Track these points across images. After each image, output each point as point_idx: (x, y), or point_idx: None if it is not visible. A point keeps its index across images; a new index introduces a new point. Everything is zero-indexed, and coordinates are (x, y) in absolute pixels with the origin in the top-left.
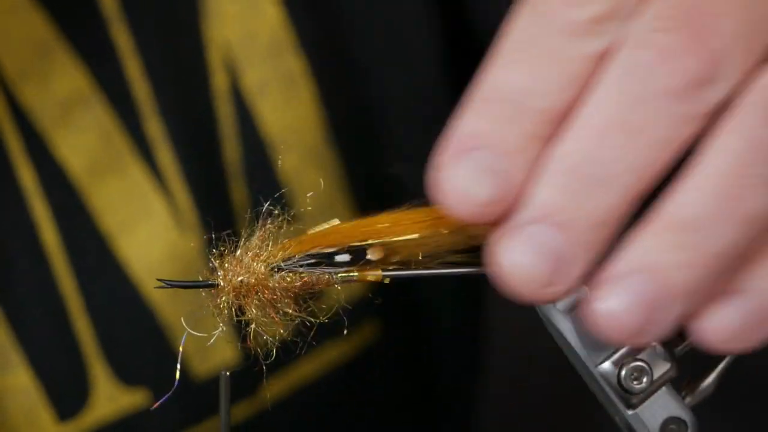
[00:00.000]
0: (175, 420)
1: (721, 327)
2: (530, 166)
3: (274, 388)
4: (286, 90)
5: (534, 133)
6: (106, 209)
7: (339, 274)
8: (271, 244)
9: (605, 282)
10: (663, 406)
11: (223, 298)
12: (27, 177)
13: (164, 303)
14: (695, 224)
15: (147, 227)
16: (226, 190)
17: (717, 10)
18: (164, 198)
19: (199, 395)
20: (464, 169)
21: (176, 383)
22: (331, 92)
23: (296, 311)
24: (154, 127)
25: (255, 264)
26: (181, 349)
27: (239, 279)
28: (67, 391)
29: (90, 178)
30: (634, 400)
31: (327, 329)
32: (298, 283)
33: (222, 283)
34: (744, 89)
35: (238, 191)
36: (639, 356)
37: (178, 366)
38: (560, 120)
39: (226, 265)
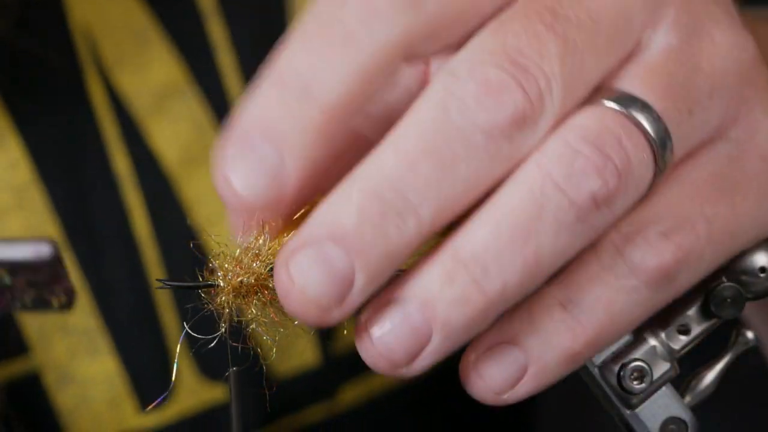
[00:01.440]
0: (254, 416)
1: (488, 378)
2: (314, 162)
3: (352, 394)
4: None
5: (316, 125)
6: (196, 201)
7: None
8: (270, 244)
9: (377, 308)
10: (663, 406)
11: (223, 299)
12: (122, 164)
13: None
14: (473, 260)
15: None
16: None
17: (540, 51)
18: None
19: (278, 393)
20: (241, 161)
21: (171, 384)
22: None
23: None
24: None
25: (255, 264)
26: (178, 348)
27: (239, 279)
28: (150, 382)
29: (182, 168)
30: (634, 400)
31: None
32: None
33: (222, 284)
34: (555, 128)
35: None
36: (639, 356)
37: (175, 365)
38: (351, 116)
39: (226, 265)
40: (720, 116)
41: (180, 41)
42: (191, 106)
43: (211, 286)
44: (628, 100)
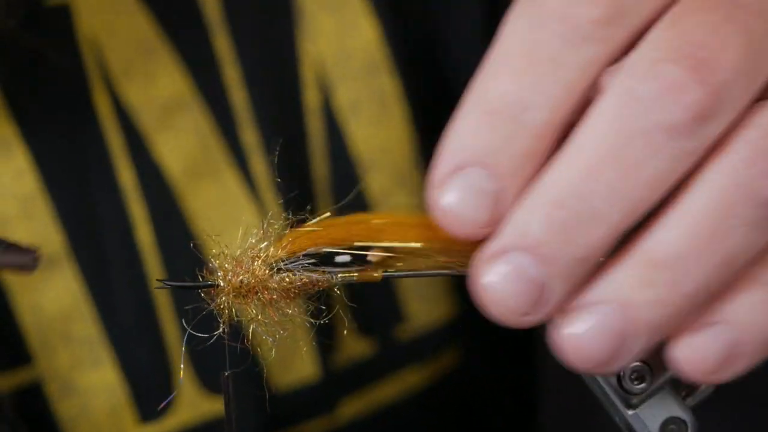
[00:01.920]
0: (254, 429)
1: (696, 358)
2: (524, 185)
3: (351, 408)
4: (378, 110)
5: (529, 151)
6: (199, 213)
7: (339, 275)
8: (270, 244)
9: (575, 309)
10: (663, 406)
11: (223, 299)
12: (126, 176)
13: None
14: (670, 263)
15: (237, 234)
16: (314, 206)
17: (720, 42)
18: (255, 206)
19: (278, 406)
20: (458, 189)
21: (180, 381)
22: (423, 114)
23: (296, 311)
24: (250, 135)
25: (255, 264)
26: (183, 349)
27: (239, 279)
28: (151, 393)
29: (186, 180)
30: (635, 401)
31: (409, 353)
32: (299, 284)
33: (222, 284)
34: (736, 126)
35: (326, 208)
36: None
37: (182, 367)
38: (556, 135)
39: (226, 265)
40: None
41: (186, 54)
42: (196, 118)
43: (211, 286)
44: None
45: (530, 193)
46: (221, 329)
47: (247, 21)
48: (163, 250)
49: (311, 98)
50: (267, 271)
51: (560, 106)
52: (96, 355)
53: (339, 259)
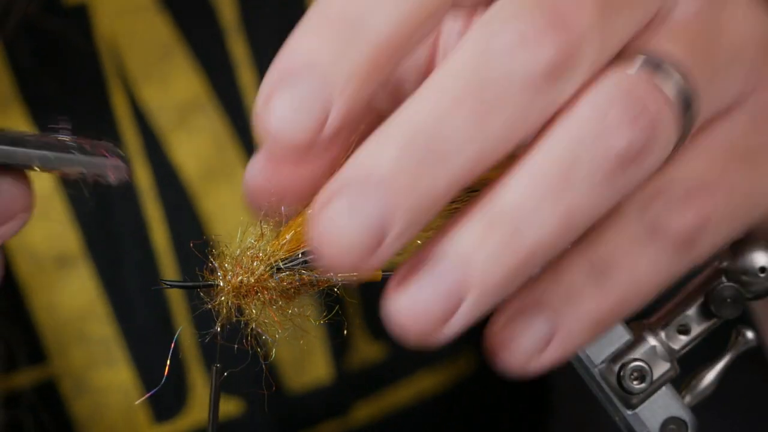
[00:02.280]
0: (266, 431)
1: (515, 341)
2: (361, 103)
3: (365, 411)
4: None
5: (367, 61)
6: (215, 215)
7: (339, 275)
8: (270, 244)
9: (416, 267)
10: (663, 406)
11: (223, 299)
12: (143, 176)
13: None
14: (507, 218)
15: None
16: None
17: (577, 1)
18: None
19: (292, 408)
20: (285, 98)
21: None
22: None
23: (300, 311)
24: None
25: (254, 264)
26: (173, 346)
27: (239, 279)
28: (165, 393)
29: (202, 182)
30: (634, 401)
31: (423, 358)
32: (298, 284)
33: (221, 284)
34: (588, 84)
35: None
36: (639, 356)
37: (167, 362)
38: (401, 54)
39: (226, 265)
40: (741, 83)
41: (203, 57)
42: (212, 121)
43: (211, 285)
44: (655, 60)
45: (381, 127)
46: (218, 328)
47: (264, 26)
48: (178, 251)
49: None
50: (266, 271)
51: (401, 26)
52: (110, 354)
53: None
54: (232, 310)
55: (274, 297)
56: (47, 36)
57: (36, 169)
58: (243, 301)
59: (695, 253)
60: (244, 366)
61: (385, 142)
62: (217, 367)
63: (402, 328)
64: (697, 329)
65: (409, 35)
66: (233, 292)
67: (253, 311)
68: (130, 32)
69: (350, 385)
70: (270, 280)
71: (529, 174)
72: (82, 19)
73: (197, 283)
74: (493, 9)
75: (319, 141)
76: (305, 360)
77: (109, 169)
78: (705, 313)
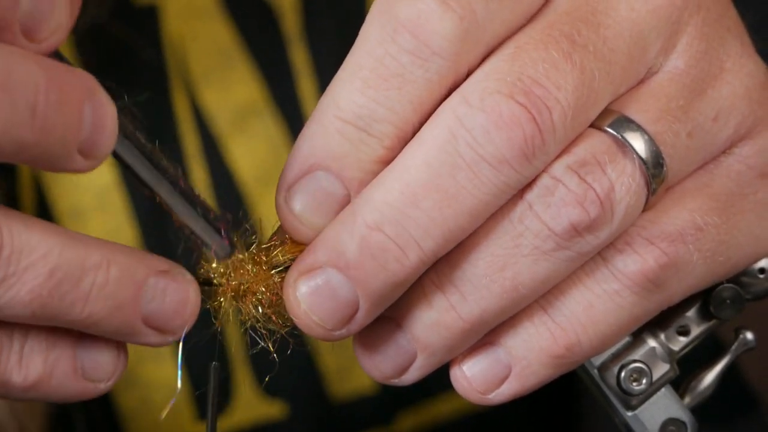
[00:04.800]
0: None
1: (472, 378)
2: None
3: (409, 422)
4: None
5: (378, 159)
6: (269, 218)
7: None
8: (270, 245)
9: (370, 330)
10: (662, 407)
11: (222, 299)
12: (200, 177)
13: None
14: (452, 288)
15: None
16: None
17: (555, 81)
18: None
19: (335, 415)
20: (305, 191)
21: (178, 389)
22: None
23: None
24: None
25: (254, 264)
26: (179, 353)
27: (239, 280)
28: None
29: (257, 186)
30: (634, 402)
31: None
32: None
33: (221, 284)
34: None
35: None
36: (638, 358)
37: (179, 372)
38: (406, 142)
39: (227, 264)
40: (723, 138)
41: (263, 64)
42: (269, 127)
43: (210, 285)
44: (622, 123)
45: (349, 211)
46: (218, 328)
47: (325, 36)
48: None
49: None
50: (266, 271)
51: (407, 120)
52: (159, 350)
53: None
54: (231, 309)
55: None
56: (116, 37)
57: (157, 197)
58: (242, 302)
59: (664, 294)
60: (289, 370)
61: (353, 225)
62: (215, 365)
63: (370, 371)
64: (696, 330)
65: (414, 124)
66: (232, 291)
67: (252, 311)
68: (196, 36)
69: (394, 395)
70: (269, 280)
71: (470, 245)
72: (151, 19)
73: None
74: (468, 84)
75: None
76: (350, 368)
77: (216, 245)
78: (704, 314)
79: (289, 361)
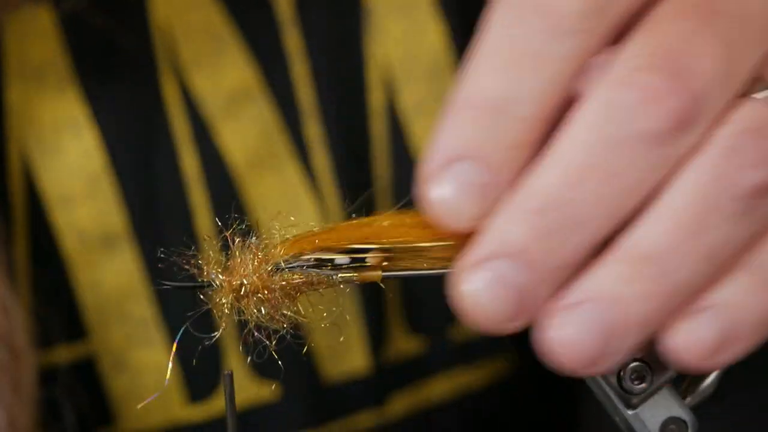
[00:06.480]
0: (301, 418)
1: (691, 343)
2: (515, 176)
3: (401, 403)
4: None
5: (518, 143)
6: (260, 203)
7: (339, 275)
8: (271, 245)
9: (561, 310)
10: (663, 406)
11: (222, 299)
12: (190, 162)
13: None
14: (654, 257)
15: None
16: (373, 205)
17: (698, 49)
18: (315, 199)
19: (327, 397)
20: (450, 182)
21: (166, 381)
22: None
23: (295, 311)
24: (313, 131)
25: (254, 264)
26: (174, 347)
27: (239, 280)
28: (200, 375)
29: (248, 170)
30: (635, 400)
31: (461, 354)
32: (297, 284)
33: (221, 284)
34: (714, 124)
35: (384, 206)
36: (639, 356)
37: (170, 364)
38: (545, 128)
39: (228, 263)
40: None
41: (256, 47)
42: (262, 110)
43: (209, 286)
44: None
45: (512, 199)
46: (220, 329)
47: (318, 19)
48: (221, 238)
49: (376, 99)
50: (266, 271)
51: (545, 100)
52: (149, 335)
53: (338, 261)
54: (233, 309)
55: (273, 297)
56: (97, 25)
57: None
58: (243, 302)
59: None
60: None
61: (516, 216)
62: (228, 374)
63: (557, 360)
64: None
65: (551, 108)
66: (233, 292)
67: (253, 311)
68: (185, 20)
69: (387, 376)
70: (268, 281)
71: (665, 216)
72: (139, 4)
73: (196, 284)
74: (613, 65)
75: (486, 214)
76: (343, 350)
77: None
78: None
79: (282, 340)
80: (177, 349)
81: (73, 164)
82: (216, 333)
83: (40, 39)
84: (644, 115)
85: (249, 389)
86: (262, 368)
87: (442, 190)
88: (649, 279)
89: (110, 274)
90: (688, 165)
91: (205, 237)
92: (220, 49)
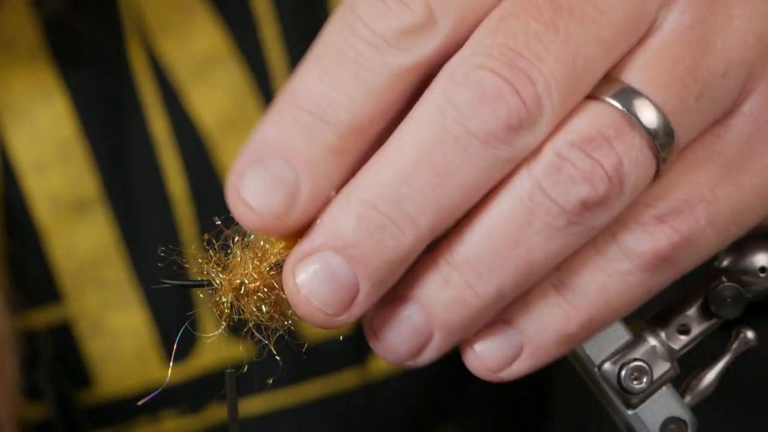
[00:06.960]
0: (285, 377)
1: (483, 356)
2: (328, 181)
3: (382, 361)
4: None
5: (332, 147)
6: (231, 164)
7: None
8: (270, 243)
9: (382, 305)
10: (663, 405)
11: (222, 298)
12: (160, 127)
13: None
14: (466, 265)
15: None
16: None
17: (540, 51)
18: None
19: (308, 355)
20: (256, 177)
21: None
22: None
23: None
24: None
25: (254, 262)
26: (175, 346)
27: (238, 278)
28: (176, 335)
29: (220, 133)
30: (634, 400)
31: None
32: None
33: (221, 283)
34: (555, 129)
35: None
36: (639, 356)
37: (171, 364)
38: (365, 136)
39: (227, 262)
40: (734, 93)
41: (224, 11)
42: (232, 74)
43: (210, 285)
44: (627, 94)
45: (343, 193)
46: (221, 329)
47: None
48: (195, 198)
49: None
50: (266, 269)
51: (363, 108)
52: (125, 297)
53: None
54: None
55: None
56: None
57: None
58: (243, 301)
59: (676, 269)
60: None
61: (348, 206)
62: (230, 372)
63: (380, 355)
64: (697, 329)
65: (372, 118)
66: (232, 291)
67: (253, 309)
68: None
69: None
70: (268, 279)
71: (484, 225)
72: None
73: (196, 282)
74: (453, 62)
75: (290, 217)
76: None
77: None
78: (705, 313)
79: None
80: (152, 312)
81: (44, 131)
82: (214, 333)
83: (12, 11)
84: (477, 114)
85: (224, 349)
86: (237, 328)
87: (248, 185)
88: (460, 286)
89: (84, 238)
90: (519, 172)
91: (204, 237)
92: (188, 14)
